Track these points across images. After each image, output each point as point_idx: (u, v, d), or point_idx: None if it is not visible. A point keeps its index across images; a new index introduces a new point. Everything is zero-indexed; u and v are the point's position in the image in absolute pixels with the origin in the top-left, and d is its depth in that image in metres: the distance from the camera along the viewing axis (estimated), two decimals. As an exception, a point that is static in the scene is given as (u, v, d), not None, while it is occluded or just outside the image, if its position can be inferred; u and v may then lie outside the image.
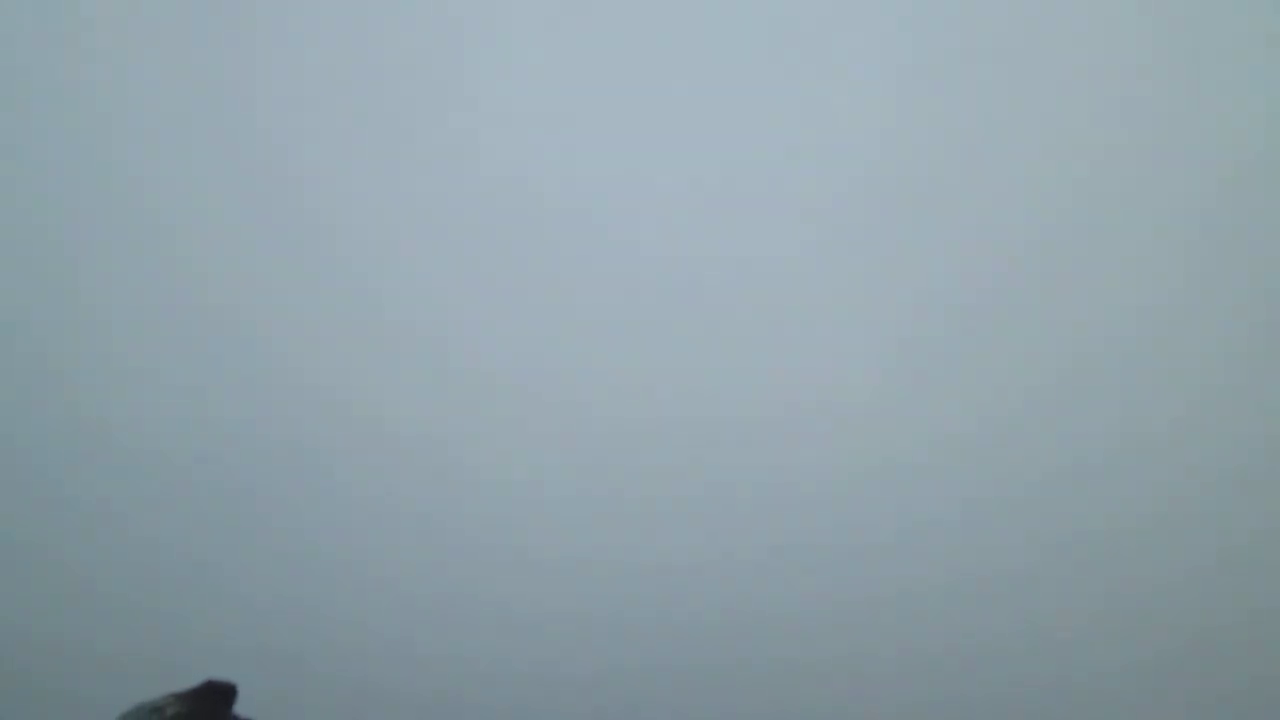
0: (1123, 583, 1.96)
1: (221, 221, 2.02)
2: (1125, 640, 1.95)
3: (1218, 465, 1.95)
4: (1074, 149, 1.97)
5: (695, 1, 2.00)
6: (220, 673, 1.56)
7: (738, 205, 2.00)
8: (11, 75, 2.00)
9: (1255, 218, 1.95)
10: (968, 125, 1.97)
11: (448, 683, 2.00)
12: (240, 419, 2.03)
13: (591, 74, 2.00)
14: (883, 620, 1.99)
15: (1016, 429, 1.98)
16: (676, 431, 2.01)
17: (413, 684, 2.01)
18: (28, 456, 2.02)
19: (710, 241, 2.00)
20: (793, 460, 2.00)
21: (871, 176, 1.99)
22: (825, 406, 2.00)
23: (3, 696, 1.95)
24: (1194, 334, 1.96)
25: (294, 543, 2.02)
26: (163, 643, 1.99)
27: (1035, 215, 1.98)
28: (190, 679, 1.54)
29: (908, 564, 1.99)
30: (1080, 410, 1.98)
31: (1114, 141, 1.97)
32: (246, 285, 2.02)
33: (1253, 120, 1.95)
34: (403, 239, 2.02)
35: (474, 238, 2.02)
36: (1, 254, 2.03)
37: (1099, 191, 1.97)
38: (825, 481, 1.99)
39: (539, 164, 2.01)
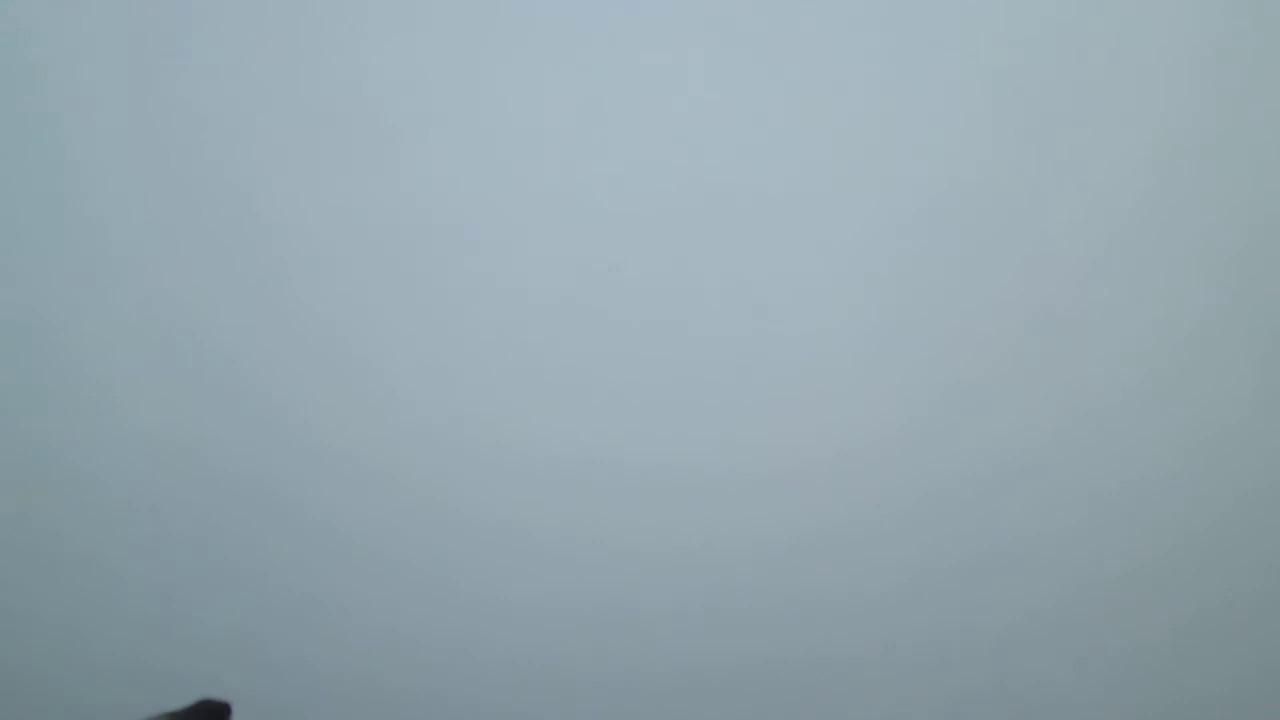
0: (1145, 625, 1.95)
1: (206, 245, 2.04)
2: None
3: (1231, 506, 1.94)
4: (1103, 198, 1.96)
5: (726, 44, 2.00)
6: (213, 692, 1.57)
7: (755, 242, 1.99)
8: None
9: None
10: (993, 167, 1.97)
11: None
12: (231, 452, 2.04)
13: (605, 112, 2.01)
14: (907, 669, 1.98)
15: (1033, 475, 1.97)
16: (681, 481, 2.01)
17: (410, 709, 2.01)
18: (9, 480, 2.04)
19: (725, 279, 2.00)
20: (810, 506, 1.99)
21: (894, 220, 1.98)
22: (842, 452, 1.99)
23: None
24: (1216, 377, 1.95)
25: (286, 568, 2.04)
26: (156, 663, 2.01)
27: (1061, 260, 1.97)
28: (184, 698, 1.55)
29: (922, 611, 1.98)
30: (1100, 454, 1.97)
31: (1142, 188, 1.96)
32: (236, 318, 2.03)
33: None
34: (398, 273, 2.03)
35: (476, 255, 2.02)
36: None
37: (1126, 238, 1.96)
38: (837, 531, 1.99)
39: (544, 195, 2.01)
